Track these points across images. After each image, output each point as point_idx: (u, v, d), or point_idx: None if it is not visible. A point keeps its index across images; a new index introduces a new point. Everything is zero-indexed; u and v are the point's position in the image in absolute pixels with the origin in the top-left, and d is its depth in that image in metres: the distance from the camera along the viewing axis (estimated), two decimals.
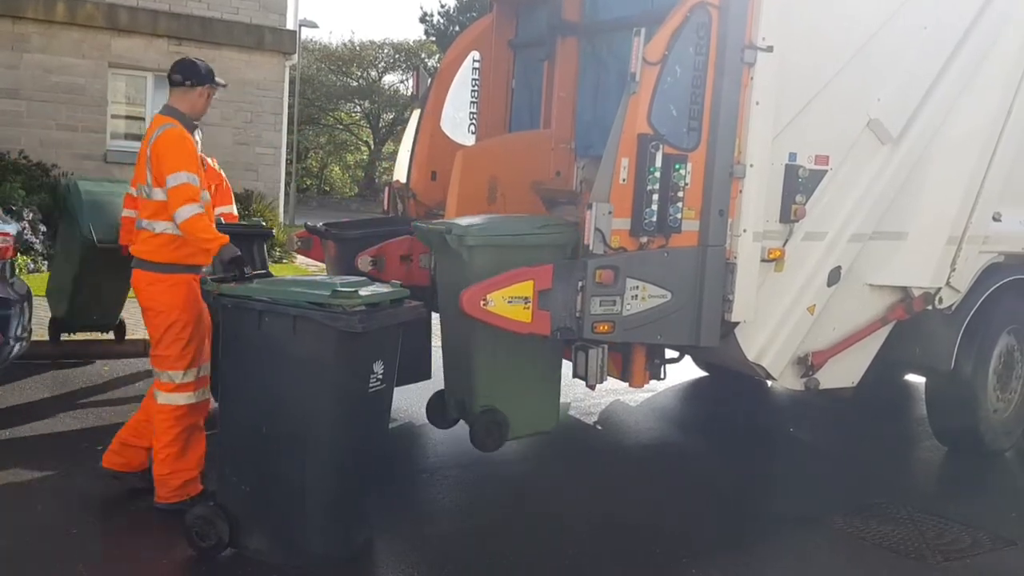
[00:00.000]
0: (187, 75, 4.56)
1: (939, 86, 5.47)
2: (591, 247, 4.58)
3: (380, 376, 4.04)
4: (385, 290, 4.12)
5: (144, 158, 4.45)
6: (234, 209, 7.35)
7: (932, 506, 5.25)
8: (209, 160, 6.60)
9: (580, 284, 4.58)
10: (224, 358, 4.09)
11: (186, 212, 4.28)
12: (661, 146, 4.64)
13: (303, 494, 3.90)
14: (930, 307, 5.66)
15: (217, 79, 4.69)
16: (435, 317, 6.40)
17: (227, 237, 4.37)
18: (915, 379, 7.60)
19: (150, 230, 4.42)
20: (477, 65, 6.85)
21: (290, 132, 19.33)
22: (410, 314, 4.16)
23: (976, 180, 5.65)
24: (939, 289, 5.66)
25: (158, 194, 4.37)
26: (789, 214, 5.03)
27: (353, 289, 3.87)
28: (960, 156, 5.60)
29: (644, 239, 4.68)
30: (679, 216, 4.74)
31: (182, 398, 4.40)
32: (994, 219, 5.83)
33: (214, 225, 4.53)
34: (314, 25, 29.27)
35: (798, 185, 5.03)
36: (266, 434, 3.93)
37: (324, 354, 3.82)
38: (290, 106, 17.71)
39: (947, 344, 5.80)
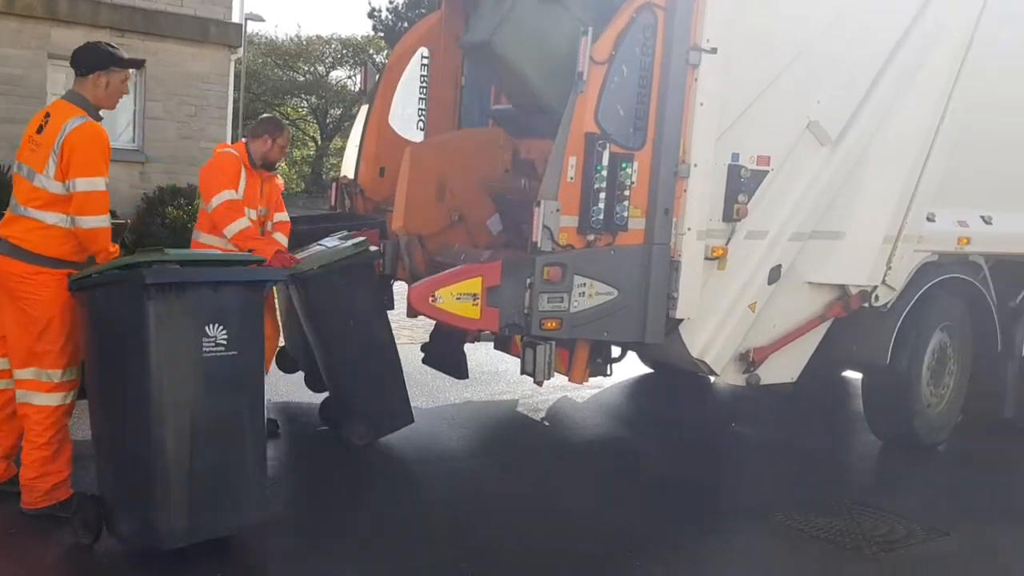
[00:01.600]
0: (79, 63, 4.31)
1: (877, 89, 5.61)
2: (539, 244, 4.62)
3: (222, 342, 3.78)
4: (219, 253, 4.08)
5: (48, 144, 4.12)
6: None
7: (869, 499, 5.39)
8: (279, 177, 5.91)
9: (528, 281, 4.62)
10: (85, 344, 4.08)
11: (93, 222, 4.12)
12: (608, 145, 4.70)
13: (153, 469, 3.71)
14: (866, 305, 5.81)
15: (121, 55, 4.36)
16: None
17: (119, 252, 4.22)
18: (853, 375, 7.79)
19: (40, 220, 4.14)
20: (426, 61, 6.82)
21: (235, 127, 19.08)
22: (248, 274, 4.03)
23: (911, 181, 5.80)
24: (875, 287, 5.80)
25: (56, 187, 4.12)
26: (732, 213, 5.12)
27: (167, 253, 3.87)
28: (896, 158, 5.74)
29: (591, 237, 4.74)
30: (625, 215, 4.80)
31: (58, 398, 4.20)
32: (928, 219, 5.98)
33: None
34: (260, 19, 29.08)
35: (740, 185, 5.13)
36: (113, 409, 3.87)
37: (132, 314, 3.68)
38: (235, 100, 17.47)
39: (883, 341, 5.94)
